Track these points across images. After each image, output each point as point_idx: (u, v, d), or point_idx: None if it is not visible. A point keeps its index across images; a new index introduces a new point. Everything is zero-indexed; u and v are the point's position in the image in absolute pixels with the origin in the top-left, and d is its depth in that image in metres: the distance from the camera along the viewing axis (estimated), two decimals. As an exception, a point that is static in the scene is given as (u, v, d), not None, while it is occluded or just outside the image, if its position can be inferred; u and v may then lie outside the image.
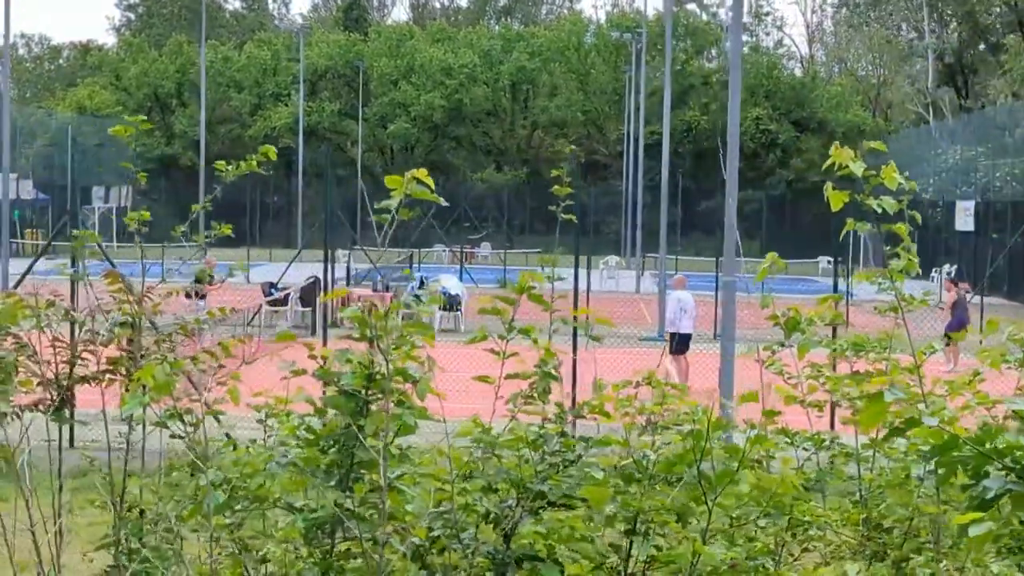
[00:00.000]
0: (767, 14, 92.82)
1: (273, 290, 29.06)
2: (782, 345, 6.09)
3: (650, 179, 57.95)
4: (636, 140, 55.39)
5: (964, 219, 48.64)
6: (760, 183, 71.52)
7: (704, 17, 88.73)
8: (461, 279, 36.02)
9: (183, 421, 4.68)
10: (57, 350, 6.84)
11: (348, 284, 30.15)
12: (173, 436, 4.74)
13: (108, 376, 6.91)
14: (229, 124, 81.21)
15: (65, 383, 6.88)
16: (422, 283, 29.46)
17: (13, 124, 63.10)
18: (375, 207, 4.13)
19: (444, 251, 58.83)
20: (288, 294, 29.03)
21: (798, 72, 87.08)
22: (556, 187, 6.59)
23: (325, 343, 15.67)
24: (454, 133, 79.53)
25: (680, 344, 23.24)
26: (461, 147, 79.93)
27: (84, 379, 6.94)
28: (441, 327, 30.23)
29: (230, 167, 5.60)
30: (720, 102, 75.09)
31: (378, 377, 3.51)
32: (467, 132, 79.84)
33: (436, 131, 78.80)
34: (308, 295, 28.78)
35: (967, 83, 74.24)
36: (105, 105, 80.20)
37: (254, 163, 5.67)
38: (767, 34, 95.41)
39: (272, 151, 5.62)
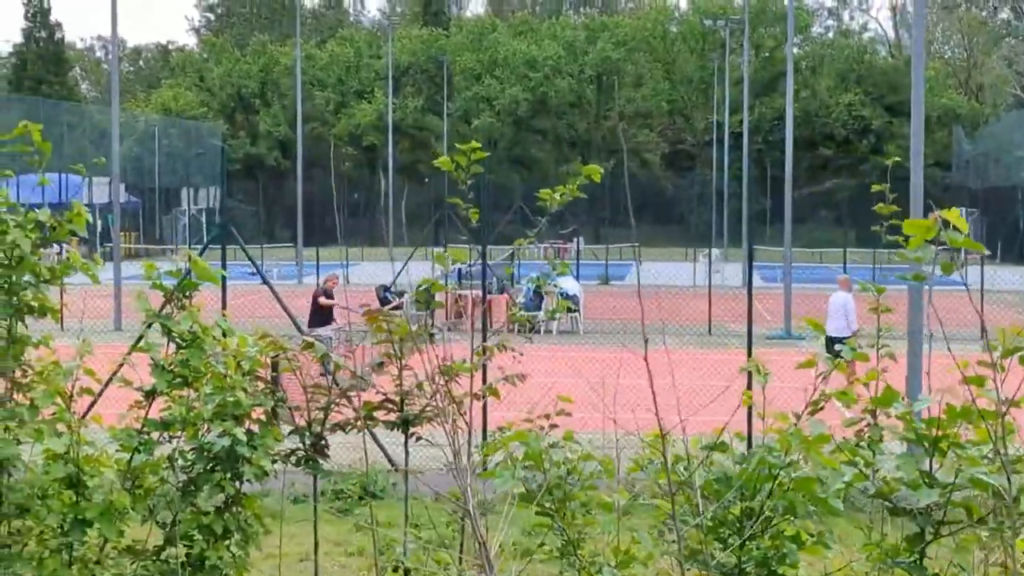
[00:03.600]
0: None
1: (388, 294, 27.88)
2: None
3: (739, 168, 56.94)
4: (728, 128, 54.29)
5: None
6: (854, 170, 69.98)
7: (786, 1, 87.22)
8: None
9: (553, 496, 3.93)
10: (311, 396, 6.17)
11: (460, 285, 29.27)
12: (540, 512, 3.99)
13: (367, 422, 6.23)
14: (312, 123, 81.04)
15: (319, 430, 6.21)
16: (538, 287, 28.23)
17: (98, 127, 63.29)
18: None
19: (536, 247, 57.80)
20: (404, 299, 27.91)
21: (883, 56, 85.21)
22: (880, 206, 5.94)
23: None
24: (538, 126, 78.77)
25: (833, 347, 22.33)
26: (546, 140, 79.16)
27: (340, 426, 6.28)
28: (560, 329, 29.42)
29: (556, 195, 4.90)
30: (811, 88, 73.60)
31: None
32: (551, 125, 79.04)
33: (520, 125, 78.08)
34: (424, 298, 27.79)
35: (1068, 63, 72.18)
36: (190, 106, 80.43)
37: (575, 188, 4.97)
38: (851, 18, 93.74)
39: (596, 172, 4.88)
